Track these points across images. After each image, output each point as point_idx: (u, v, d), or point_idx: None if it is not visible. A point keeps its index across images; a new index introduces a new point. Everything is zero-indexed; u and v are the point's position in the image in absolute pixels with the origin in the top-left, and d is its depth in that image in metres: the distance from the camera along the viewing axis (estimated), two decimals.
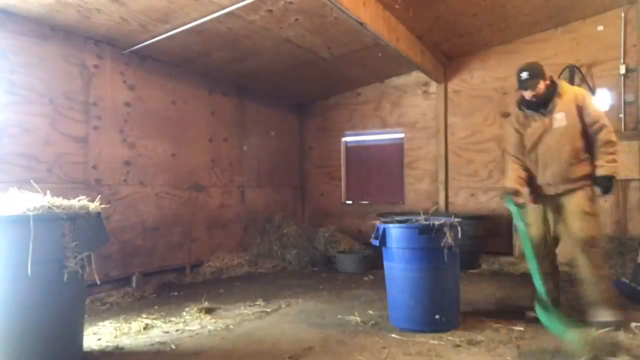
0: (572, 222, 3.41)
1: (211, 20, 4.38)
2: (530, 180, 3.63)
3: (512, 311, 3.78)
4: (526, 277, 3.72)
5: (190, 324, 3.64)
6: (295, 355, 2.89)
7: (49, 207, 2.60)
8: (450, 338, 3.16)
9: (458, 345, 3.01)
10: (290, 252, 6.29)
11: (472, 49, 6.55)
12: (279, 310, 4.04)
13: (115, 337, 3.34)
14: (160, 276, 5.22)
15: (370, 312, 3.89)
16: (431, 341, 3.11)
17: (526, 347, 2.96)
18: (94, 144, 4.56)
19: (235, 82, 6.44)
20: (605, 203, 5.47)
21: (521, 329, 3.32)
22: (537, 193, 3.63)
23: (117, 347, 3.10)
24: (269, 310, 4.03)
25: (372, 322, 3.60)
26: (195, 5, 4.13)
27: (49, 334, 2.60)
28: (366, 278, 5.43)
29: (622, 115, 5.70)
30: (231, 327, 3.55)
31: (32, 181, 3.42)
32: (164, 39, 4.65)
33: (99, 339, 3.29)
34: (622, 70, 5.69)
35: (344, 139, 7.76)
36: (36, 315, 2.55)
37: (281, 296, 4.53)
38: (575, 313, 3.47)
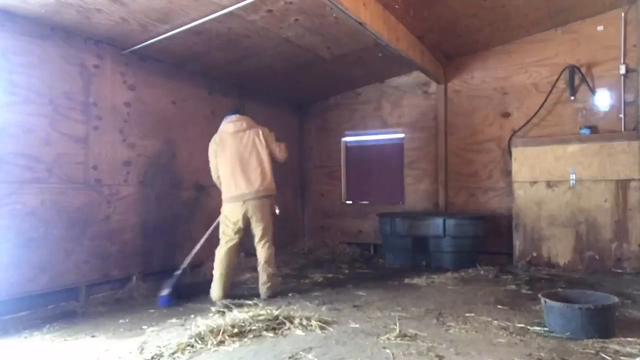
0: None
1: (211, 20, 4.38)
2: None
3: None
4: None
5: (191, 324, 3.64)
6: (295, 356, 2.89)
7: None
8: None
9: (456, 345, 3.02)
10: None
11: (472, 49, 6.55)
12: (279, 310, 4.03)
13: (112, 336, 3.34)
14: (160, 276, 5.21)
15: (370, 311, 3.89)
16: (430, 344, 3.11)
17: None
18: (94, 144, 4.56)
19: (235, 82, 6.44)
20: (605, 203, 5.48)
21: None
22: None
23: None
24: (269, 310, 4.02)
25: (372, 322, 3.60)
26: (195, 5, 4.13)
27: None
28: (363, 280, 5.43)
29: (622, 115, 5.71)
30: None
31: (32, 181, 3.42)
32: (164, 39, 4.65)
33: (98, 340, 3.29)
34: (622, 70, 5.70)
35: (344, 139, 7.76)
36: None
37: (281, 296, 4.53)
38: None
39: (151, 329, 3.54)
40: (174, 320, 3.76)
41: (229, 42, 5.04)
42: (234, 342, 3.11)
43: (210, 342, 3.07)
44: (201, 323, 3.32)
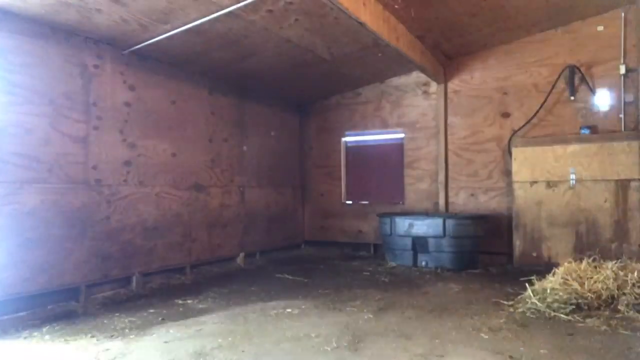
0: None
1: (211, 20, 4.38)
2: None
3: None
4: None
5: (191, 324, 3.64)
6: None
7: None
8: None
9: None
10: None
11: (472, 49, 6.55)
12: (280, 309, 4.04)
13: (112, 336, 3.34)
14: (160, 276, 5.22)
15: (367, 311, 3.90)
16: (431, 342, 3.11)
17: None
18: (94, 144, 4.56)
19: (235, 82, 6.44)
20: (605, 203, 5.48)
21: None
22: None
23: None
24: (271, 311, 4.03)
25: (372, 322, 3.60)
26: (195, 5, 4.13)
27: None
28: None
29: (622, 115, 5.71)
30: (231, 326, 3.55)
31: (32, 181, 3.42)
32: (164, 39, 4.65)
33: (98, 340, 3.29)
34: (622, 70, 5.70)
35: (344, 139, 7.76)
36: None
37: (282, 297, 4.54)
38: None
39: (150, 329, 3.54)
40: (173, 320, 3.75)
41: (229, 42, 5.04)
42: None
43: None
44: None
